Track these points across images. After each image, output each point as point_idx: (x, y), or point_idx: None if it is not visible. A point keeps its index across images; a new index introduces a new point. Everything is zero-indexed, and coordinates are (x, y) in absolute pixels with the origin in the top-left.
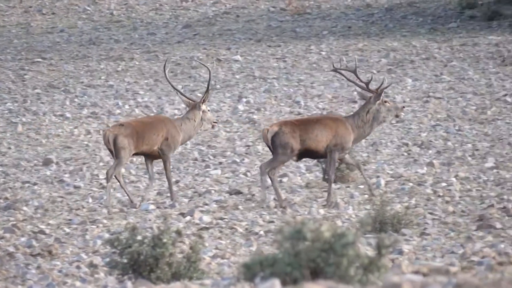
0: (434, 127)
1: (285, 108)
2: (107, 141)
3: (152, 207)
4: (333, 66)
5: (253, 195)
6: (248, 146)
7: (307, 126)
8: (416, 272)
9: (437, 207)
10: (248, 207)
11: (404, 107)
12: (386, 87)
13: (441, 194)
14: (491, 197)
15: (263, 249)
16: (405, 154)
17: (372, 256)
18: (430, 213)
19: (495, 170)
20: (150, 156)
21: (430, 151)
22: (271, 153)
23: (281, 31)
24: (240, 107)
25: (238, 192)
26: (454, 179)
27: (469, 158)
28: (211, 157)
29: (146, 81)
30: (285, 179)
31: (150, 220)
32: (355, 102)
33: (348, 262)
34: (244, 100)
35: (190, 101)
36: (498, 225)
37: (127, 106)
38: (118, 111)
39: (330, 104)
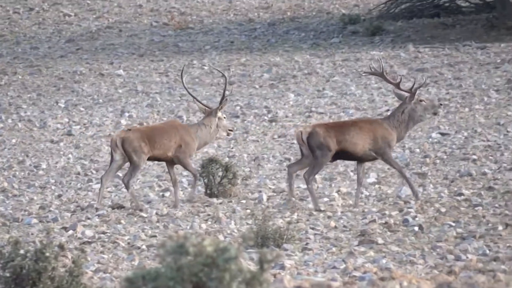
0: None
1: None
2: (114, 145)
3: (34, 220)
4: (363, 71)
5: (135, 210)
6: None
7: (343, 128)
8: (298, 287)
9: (319, 222)
10: (130, 221)
11: (441, 104)
12: (420, 86)
13: (323, 209)
14: (373, 212)
15: (145, 264)
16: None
17: (254, 271)
18: (312, 228)
19: (377, 186)
20: (167, 162)
21: None
22: (300, 155)
23: (164, 45)
24: (123, 121)
25: (121, 206)
26: (336, 194)
27: (351, 173)
28: (94, 171)
29: (29, 95)
30: (167, 193)
31: (32, 234)
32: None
33: (231, 277)
34: (127, 114)
35: (206, 108)
36: (380, 240)
37: (10, 120)
38: (0, 125)
39: None
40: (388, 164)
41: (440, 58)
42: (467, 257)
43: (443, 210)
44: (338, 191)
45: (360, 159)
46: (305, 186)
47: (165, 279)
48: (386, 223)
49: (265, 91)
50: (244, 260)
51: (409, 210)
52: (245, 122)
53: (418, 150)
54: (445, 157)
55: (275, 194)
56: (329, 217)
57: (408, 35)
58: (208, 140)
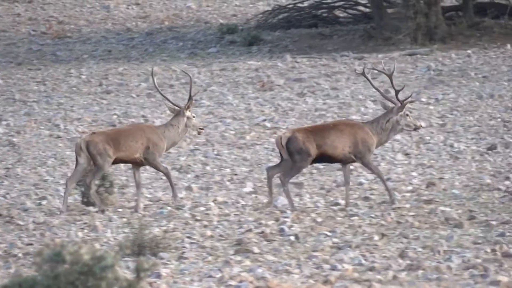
0: (193, 151)
1: (44, 131)
2: (79, 148)
3: None
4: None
5: (12, 217)
6: (8, 168)
7: (323, 132)
8: None
9: (195, 231)
10: (7, 229)
11: (421, 125)
12: (411, 101)
13: (199, 218)
14: (249, 222)
15: (22, 272)
16: (164, 178)
17: (131, 279)
18: (188, 237)
19: (253, 195)
20: (134, 164)
21: (188, 175)
22: (279, 160)
23: (42, 54)
24: (0, 129)
25: None
26: (212, 203)
27: (228, 183)
28: None
29: None
30: (44, 202)
31: None
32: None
33: (107, 285)
34: (4, 123)
35: (175, 108)
36: (256, 250)
37: None
38: None
39: (89, 128)
40: (367, 168)
41: (318, 68)
42: (343, 267)
43: (319, 219)
44: (214, 200)
45: (340, 162)
46: (181, 195)
47: (42, 287)
48: (262, 232)
49: (142, 100)
50: (120, 268)
51: (285, 219)
52: None
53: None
54: (321, 167)
55: (151, 203)
56: (205, 226)
57: (285, 45)
58: (176, 139)
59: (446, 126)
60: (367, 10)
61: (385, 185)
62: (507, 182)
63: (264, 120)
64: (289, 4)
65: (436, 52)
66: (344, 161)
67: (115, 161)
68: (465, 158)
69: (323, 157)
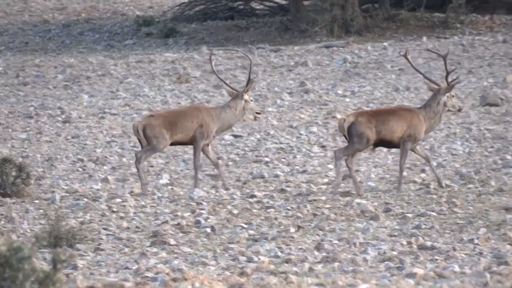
0: (110, 143)
1: None
2: (136, 131)
3: None
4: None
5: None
6: None
7: (383, 117)
8: (91, 287)
9: (111, 222)
10: None
11: (462, 106)
12: (458, 82)
13: (115, 209)
14: (165, 214)
15: None
16: (80, 169)
17: (48, 271)
18: (105, 229)
19: (169, 187)
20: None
21: (105, 167)
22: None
23: None
24: None
25: None
26: (128, 195)
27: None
28: None
29: None
30: None
31: None
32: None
33: (24, 276)
34: None
35: (234, 91)
36: (172, 241)
37: None
38: None
39: (6, 120)
40: (401, 154)
41: (234, 60)
42: (259, 259)
43: (235, 212)
44: (131, 192)
45: (395, 147)
46: (98, 187)
47: None
48: (178, 224)
49: (59, 92)
50: (37, 260)
51: (201, 211)
52: (39, 122)
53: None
54: (237, 159)
55: (68, 194)
56: (121, 217)
57: (202, 37)
58: (232, 122)
59: None
60: (284, 2)
61: (401, 175)
62: (423, 175)
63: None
64: None
65: (352, 44)
66: (399, 146)
67: (172, 144)
68: (381, 150)
69: (382, 142)
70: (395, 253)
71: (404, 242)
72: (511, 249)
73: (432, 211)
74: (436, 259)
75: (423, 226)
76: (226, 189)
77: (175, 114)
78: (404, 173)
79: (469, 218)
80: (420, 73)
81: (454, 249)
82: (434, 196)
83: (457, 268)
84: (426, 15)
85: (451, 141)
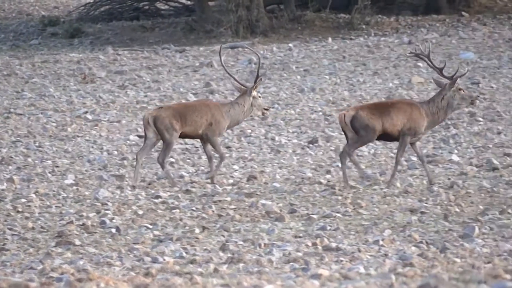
0: (15, 143)
1: None
2: (146, 123)
3: None
4: (410, 51)
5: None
6: None
7: (383, 109)
8: None
9: (16, 222)
10: None
11: (478, 95)
12: (462, 75)
13: (20, 210)
14: (70, 214)
15: None
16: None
17: None
18: (10, 229)
19: (74, 187)
20: (199, 139)
21: (10, 167)
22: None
23: None
24: None
25: None
26: (34, 195)
27: (49, 175)
28: None
29: None
30: None
31: None
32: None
33: None
34: None
35: (242, 87)
36: (77, 242)
37: None
38: None
39: None
40: (399, 147)
41: (139, 61)
42: (164, 260)
43: (140, 212)
44: (36, 192)
45: (395, 140)
46: (3, 187)
47: None
48: (83, 224)
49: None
50: None
51: (107, 212)
52: None
53: (116, 152)
54: (143, 159)
55: None
56: (26, 218)
57: (107, 37)
58: (240, 118)
59: (268, 119)
60: (189, 3)
61: (395, 168)
62: (328, 176)
63: (86, 112)
64: None
65: (258, 45)
66: (398, 139)
67: (180, 136)
68: (286, 151)
69: (383, 135)
70: (300, 254)
71: (309, 243)
72: (416, 251)
73: (337, 212)
74: (341, 260)
75: (328, 227)
76: (212, 183)
77: (185, 107)
78: (399, 167)
79: (374, 219)
80: (435, 69)
81: (359, 251)
82: (339, 197)
83: (362, 270)
84: (331, 16)
85: None
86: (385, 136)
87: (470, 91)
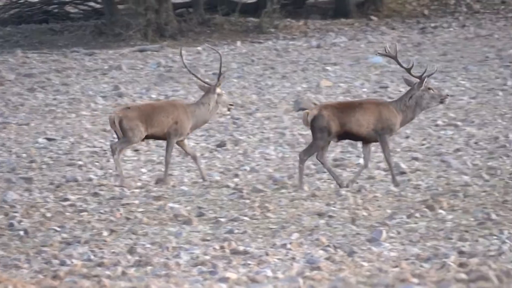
0: None
1: None
2: (112, 123)
3: None
4: (377, 52)
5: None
6: None
7: (348, 110)
8: None
9: None
10: None
11: (448, 95)
12: (430, 75)
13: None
14: None
15: None
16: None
17: None
18: None
19: None
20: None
21: None
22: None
23: None
24: None
25: None
26: None
27: None
28: None
29: None
30: None
31: None
32: None
33: None
34: None
35: (205, 85)
36: None
37: None
38: None
39: None
40: (382, 147)
41: (48, 63)
42: (72, 262)
43: (48, 215)
44: None
45: (363, 140)
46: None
47: None
48: None
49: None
50: None
51: (15, 214)
52: None
53: (24, 155)
54: (51, 162)
55: None
56: None
57: (16, 40)
58: (207, 118)
59: None
60: (98, 6)
61: (391, 168)
62: (236, 179)
63: None
64: None
65: (166, 48)
66: (368, 140)
67: (147, 137)
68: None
69: (348, 135)
70: (207, 257)
71: (217, 247)
72: (324, 254)
73: (245, 215)
74: (249, 264)
75: (236, 231)
76: (204, 180)
77: (152, 108)
78: (392, 164)
79: (282, 223)
80: (403, 67)
81: (267, 254)
82: (247, 201)
83: (269, 273)
84: (240, 19)
85: (265, 146)
86: (352, 137)
87: (439, 89)
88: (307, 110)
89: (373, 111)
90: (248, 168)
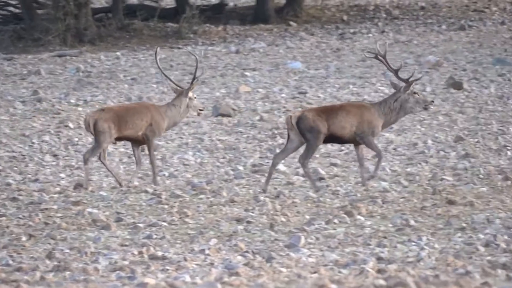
0: None
1: None
2: (87, 125)
3: None
4: (366, 52)
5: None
6: None
7: (331, 112)
8: None
9: None
10: None
11: (433, 101)
12: (417, 79)
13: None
14: None
15: None
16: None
17: None
18: None
19: None
20: (135, 142)
21: None
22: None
23: None
24: None
25: None
26: None
27: None
28: None
29: None
30: None
31: None
32: None
33: None
34: None
35: (178, 88)
36: None
37: None
38: None
39: None
40: (369, 147)
41: None
42: None
43: None
44: None
45: (347, 142)
46: None
47: None
48: None
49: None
50: None
51: None
52: None
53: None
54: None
55: None
56: None
57: None
58: (177, 119)
59: None
60: (17, 10)
61: (379, 164)
62: (153, 186)
63: None
64: None
65: (85, 53)
66: (352, 141)
67: (120, 139)
68: (113, 160)
69: (332, 137)
70: (126, 262)
71: (136, 252)
72: (242, 260)
73: (164, 221)
74: (167, 269)
75: (155, 236)
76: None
77: (126, 110)
78: (382, 160)
79: (201, 228)
80: (391, 70)
81: (185, 259)
82: (166, 206)
83: (188, 278)
84: (159, 25)
85: (183, 151)
86: (336, 139)
87: (424, 95)
88: (290, 113)
89: (355, 114)
90: (166, 173)
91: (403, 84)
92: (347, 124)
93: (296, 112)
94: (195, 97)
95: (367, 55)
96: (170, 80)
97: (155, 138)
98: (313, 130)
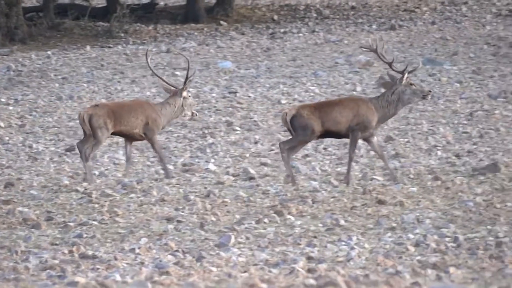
0: None
1: None
2: (82, 121)
3: None
4: (360, 46)
5: (88, 183)
6: None
7: (326, 108)
8: None
9: None
10: None
11: (430, 90)
12: (412, 70)
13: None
14: None
15: None
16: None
17: None
18: None
19: None
20: (129, 138)
21: None
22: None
23: None
24: None
25: None
26: None
27: None
28: None
29: None
30: None
31: None
32: None
33: None
34: None
35: (172, 88)
36: None
37: None
38: None
39: None
40: (350, 142)
41: None
42: None
43: None
44: None
45: (345, 137)
46: None
47: None
48: None
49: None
50: None
51: None
52: None
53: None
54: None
55: None
56: None
57: None
58: (171, 118)
59: (25, 126)
60: None
61: (349, 164)
62: (85, 184)
63: None
64: None
65: (16, 52)
66: (348, 136)
67: (115, 134)
68: (44, 159)
69: (329, 133)
70: (56, 261)
71: (66, 251)
72: (173, 259)
73: (94, 220)
74: (98, 268)
75: (85, 235)
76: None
77: (120, 107)
78: (353, 163)
79: (131, 227)
80: (389, 64)
81: (116, 258)
82: (96, 205)
83: (118, 277)
84: (90, 24)
85: (114, 151)
86: (332, 135)
87: (421, 85)
88: (285, 110)
89: (351, 108)
90: (97, 172)
91: (399, 76)
92: (343, 119)
93: (292, 110)
94: (189, 97)
95: (362, 49)
96: (163, 80)
97: (155, 135)
98: (306, 128)
